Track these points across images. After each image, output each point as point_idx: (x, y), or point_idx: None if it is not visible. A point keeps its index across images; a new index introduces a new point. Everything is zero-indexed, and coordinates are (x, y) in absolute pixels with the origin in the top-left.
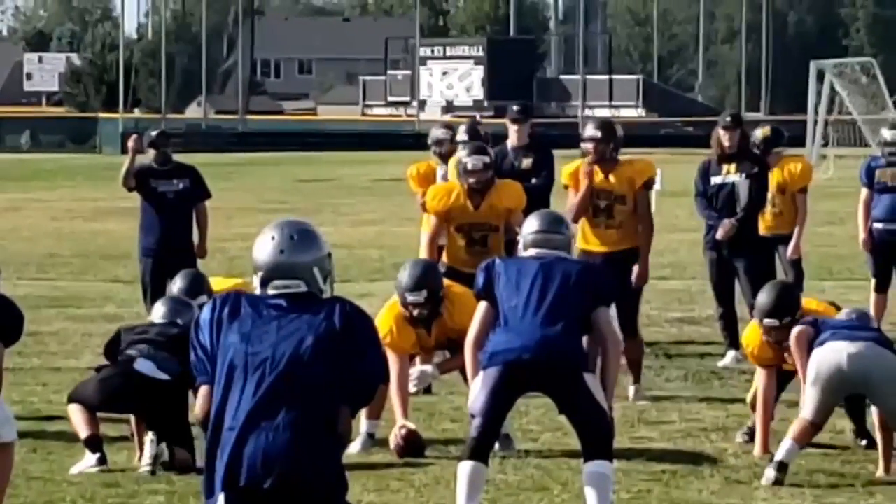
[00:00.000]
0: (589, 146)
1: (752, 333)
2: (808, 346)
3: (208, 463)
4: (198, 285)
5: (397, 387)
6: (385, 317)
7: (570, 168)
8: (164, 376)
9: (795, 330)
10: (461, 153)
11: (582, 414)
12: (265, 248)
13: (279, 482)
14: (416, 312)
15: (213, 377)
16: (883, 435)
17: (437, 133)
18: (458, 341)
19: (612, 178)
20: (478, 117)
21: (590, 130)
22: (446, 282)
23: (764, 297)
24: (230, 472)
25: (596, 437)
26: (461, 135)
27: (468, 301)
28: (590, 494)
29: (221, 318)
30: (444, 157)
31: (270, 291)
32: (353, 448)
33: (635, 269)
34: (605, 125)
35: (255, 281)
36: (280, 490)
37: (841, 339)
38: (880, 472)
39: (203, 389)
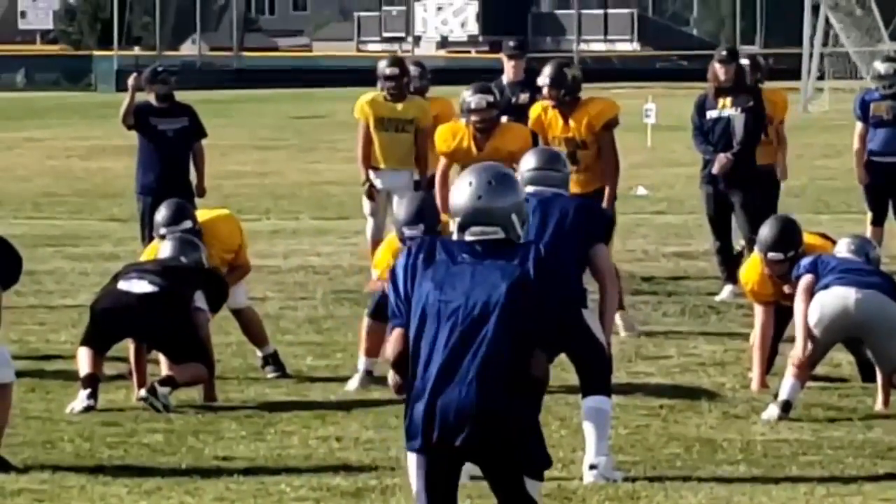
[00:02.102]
0: (550, 92)
1: (750, 270)
2: (812, 295)
3: (408, 409)
4: (181, 213)
5: None
6: (383, 252)
7: (534, 112)
8: (150, 288)
9: (803, 280)
10: (465, 92)
11: (580, 349)
12: (462, 193)
13: (471, 439)
14: None
15: (407, 320)
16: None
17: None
18: None
19: (572, 123)
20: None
21: (541, 77)
22: (444, 217)
23: (767, 231)
24: (426, 425)
25: (594, 373)
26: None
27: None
28: (588, 430)
29: (416, 265)
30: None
31: (468, 238)
32: (351, 385)
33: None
34: (555, 71)
35: (453, 226)
36: (472, 446)
37: (847, 284)
38: (879, 406)
39: (396, 332)
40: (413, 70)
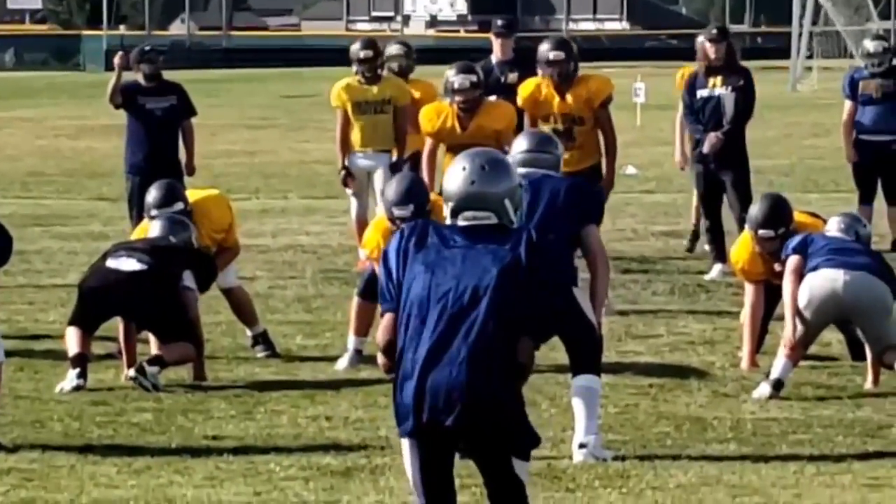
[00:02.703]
0: (553, 69)
1: (741, 248)
2: (800, 276)
3: (395, 393)
4: (172, 194)
5: None
6: (372, 232)
7: (526, 89)
8: (138, 266)
9: (791, 261)
10: (448, 72)
11: (570, 329)
12: (456, 178)
13: (461, 419)
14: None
15: (398, 305)
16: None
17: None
18: None
19: (569, 99)
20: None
21: (551, 52)
22: (433, 196)
23: (758, 209)
24: (416, 407)
25: (584, 352)
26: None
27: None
28: (578, 409)
29: (408, 248)
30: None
31: (461, 223)
32: (341, 364)
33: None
34: (565, 44)
35: (446, 211)
36: (462, 427)
37: (835, 266)
38: (868, 385)
39: (387, 317)
40: (397, 49)
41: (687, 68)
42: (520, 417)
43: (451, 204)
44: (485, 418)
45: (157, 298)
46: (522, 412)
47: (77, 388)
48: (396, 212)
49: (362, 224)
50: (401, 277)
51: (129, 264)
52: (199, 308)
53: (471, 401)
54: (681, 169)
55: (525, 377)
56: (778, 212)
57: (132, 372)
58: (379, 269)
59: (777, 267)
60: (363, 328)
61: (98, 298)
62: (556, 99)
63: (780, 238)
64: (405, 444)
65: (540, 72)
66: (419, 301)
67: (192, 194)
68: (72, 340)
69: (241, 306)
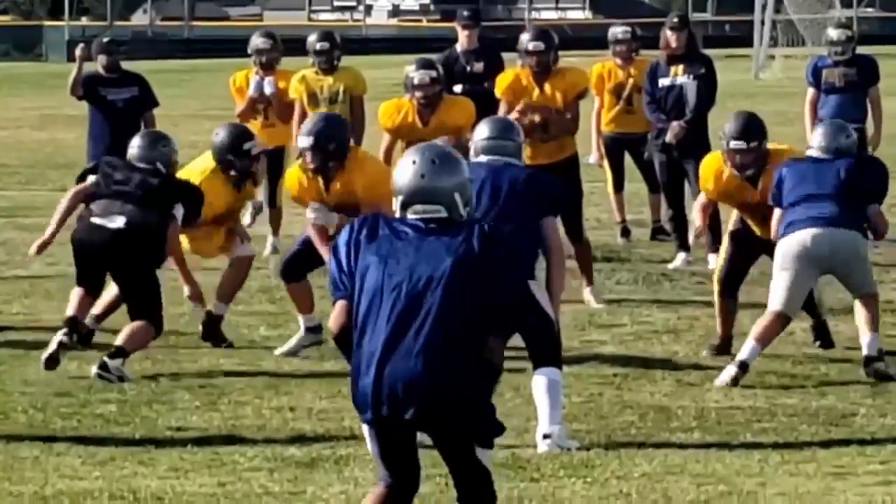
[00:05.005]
0: (533, 59)
1: (707, 168)
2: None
3: (352, 383)
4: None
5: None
6: (292, 170)
7: (505, 80)
8: (121, 223)
9: (776, 214)
10: (408, 68)
11: (529, 322)
12: (406, 172)
13: (420, 411)
14: (307, 158)
15: (350, 293)
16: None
17: (256, 42)
18: (352, 206)
19: (547, 90)
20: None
21: (531, 43)
22: (361, 150)
23: (731, 122)
24: (374, 399)
25: (544, 345)
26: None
27: (372, 170)
28: (540, 400)
29: (359, 240)
30: (265, 67)
31: (410, 216)
32: (292, 344)
33: (581, 174)
34: (546, 34)
35: (396, 205)
36: (422, 418)
37: (807, 224)
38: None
39: (339, 305)
40: (263, 42)
41: (605, 63)
42: (482, 406)
43: (401, 197)
44: (444, 409)
45: (139, 257)
46: (486, 401)
47: (60, 346)
48: (299, 141)
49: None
50: (353, 268)
51: (115, 221)
52: (177, 241)
53: (429, 392)
54: (599, 166)
55: (496, 374)
56: (751, 125)
57: (95, 370)
58: (329, 262)
59: (749, 197)
60: (306, 306)
61: (84, 253)
62: (536, 90)
63: (752, 152)
64: (365, 428)
65: (519, 61)
66: (373, 292)
67: (195, 175)
68: (70, 302)
69: (233, 279)
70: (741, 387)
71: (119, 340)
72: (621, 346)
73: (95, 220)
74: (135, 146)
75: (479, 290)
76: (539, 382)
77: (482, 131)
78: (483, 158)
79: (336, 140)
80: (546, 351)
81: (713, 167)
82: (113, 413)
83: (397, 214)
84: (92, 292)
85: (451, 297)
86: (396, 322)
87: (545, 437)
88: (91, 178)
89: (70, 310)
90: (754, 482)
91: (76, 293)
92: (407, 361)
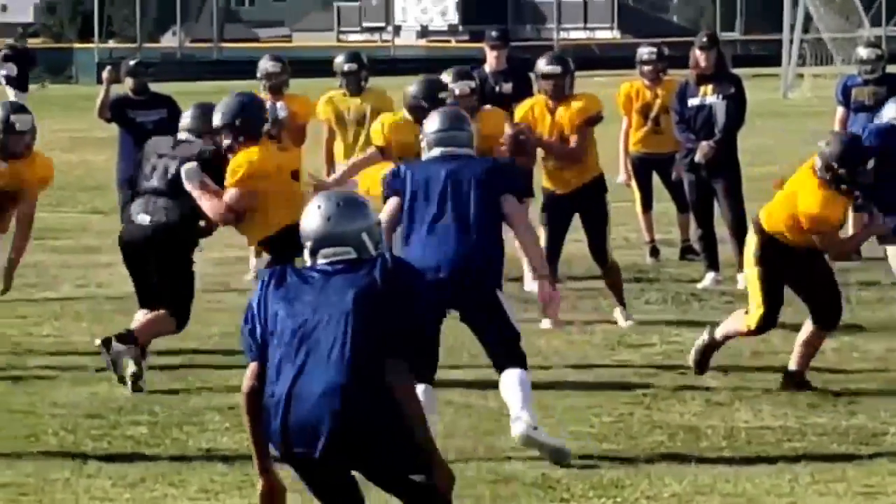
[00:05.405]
0: (548, 83)
1: (810, 196)
2: None
3: (267, 427)
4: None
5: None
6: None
7: (522, 109)
8: (150, 220)
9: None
10: (446, 79)
11: (494, 335)
12: (312, 217)
13: (329, 449)
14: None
15: (261, 353)
16: None
17: (266, 65)
18: None
19: (559, 117)
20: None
21: (547, 66)
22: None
23: (835, 146)
24: (284, 440)
25: (510, 351)
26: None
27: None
28: (512, 396)
29: (267, 294)
30: (273, 91)
31: (320, 261)
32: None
33: (607, 196)
34: (562, 59)
35: (306, 254)
36: (332, 454)
37: None
38: None
39: (251, 366)
40: (272, 66)
41: (633, 83)
42: (394, 436)
43: (309, 244)
44: (355, 446)
45: (162, 254)
46: (399, 429)
47: (136, 363)
48: (214, 120)
49: None
50: (263, 324)
51: (144, 218)
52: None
53: (333, 428)
54: (626, 186)
55: (407, 401)
56: (853, 147)
57: (98, 340)
58: (244, 320)
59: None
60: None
61: (127, 253)
62: (548, 118)
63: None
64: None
65: (536, 85)
66: (279, 333)
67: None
68: (136, 317)
69: None
70: (770, 405)
71: (134, 324)
72: (651, 365)
73: (136, 217)
74: (187, 117)
75: (381, 320)
76: (509, 377)
77: (433, 124)
78: (436, 152)
79: (241, 119)
80: (512, 356)
81: (815, 198)
82: (143, 435)
83: (308, 263)
84: (147, 304)
85: (354, 330)
86: (303, 362)
87: (516, 419)
88: None
89: (132, 325)
90: (785, 502)
91: (142, 312)
92: (311, 400)
